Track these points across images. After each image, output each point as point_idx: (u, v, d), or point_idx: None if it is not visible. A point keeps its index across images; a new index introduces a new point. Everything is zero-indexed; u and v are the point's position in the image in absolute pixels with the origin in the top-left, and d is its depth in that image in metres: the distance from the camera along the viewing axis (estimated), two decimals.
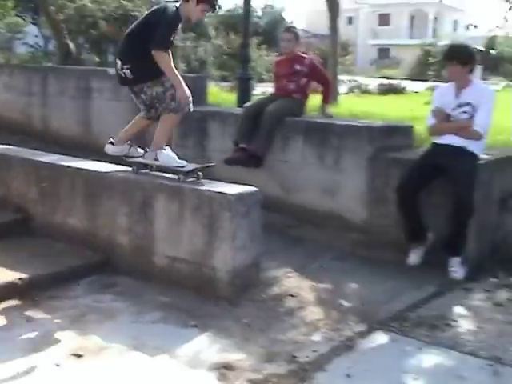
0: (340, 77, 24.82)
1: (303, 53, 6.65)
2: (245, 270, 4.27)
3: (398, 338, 3.79)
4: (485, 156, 5.20)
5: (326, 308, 4.13)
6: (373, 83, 24.14)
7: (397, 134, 5.88)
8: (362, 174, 5.57)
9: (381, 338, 3.80)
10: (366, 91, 21.89)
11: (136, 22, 4.72)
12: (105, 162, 5.02)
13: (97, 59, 19.68)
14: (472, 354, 3.61)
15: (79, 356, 3.41)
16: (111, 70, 6.20)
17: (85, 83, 8.36)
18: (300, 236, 5.61)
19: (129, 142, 4.83)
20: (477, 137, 4.92)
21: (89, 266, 4.58)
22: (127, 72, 4.52)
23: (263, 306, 4.11)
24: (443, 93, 5.19)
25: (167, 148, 4.65)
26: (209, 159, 6.59)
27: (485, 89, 5.20)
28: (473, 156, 4.94)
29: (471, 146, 4.93)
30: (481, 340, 3.81)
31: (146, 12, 4.83)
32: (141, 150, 4.82)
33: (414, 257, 5.03)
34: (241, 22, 10.09)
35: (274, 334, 3.73)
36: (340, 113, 9.77)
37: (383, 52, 49.04)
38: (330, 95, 6.86)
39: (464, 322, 4.09)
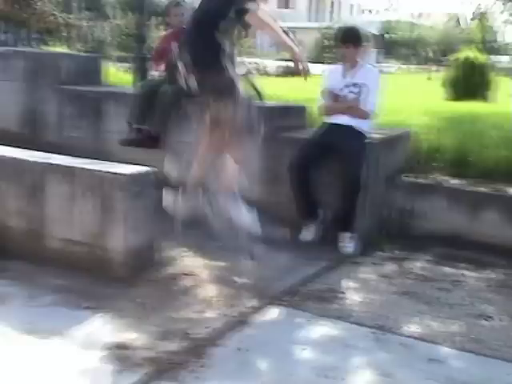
0: (240, 58, 24.85)
1: None
2: (139, 251, 4.26)
3: (289, 311, 3.91)
4: (373, 135, 5.42)
5: (221, 285, 4.20)
6: (272, 65, 24.38)
7: (290, 114, 6.01)
8: (256, 154, 5.65)
9: (273, 313, 3.91)
10: (264, 73, 22.08)
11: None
12: None
13: None
14: (357, 323, 3.78)
15: None
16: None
17: None
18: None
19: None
20: (364, 116, 5.12)
21: None
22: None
23: (158, 286, 4.13)
24: (332, 74, 5.36)
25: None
26: (104, 140, 6.51)
27: (371, 70, 5.40)
28: (361, 135, 5.14)
29: (359, 125, 5.12)
30: (366, 310, 4.00)
31: None
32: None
33: (306, 233, 5.18)
34: (138, 1, 9.92)
35: (168, 313, 3.76)
36: None
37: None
38: None
39: (351, 293, 4.27)
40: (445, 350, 3.53)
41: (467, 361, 3.44)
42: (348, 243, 5.03)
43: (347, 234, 5.04)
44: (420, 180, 5.70)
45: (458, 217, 5.44)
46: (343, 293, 4.27)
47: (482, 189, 5.48)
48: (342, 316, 3.88)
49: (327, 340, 3.58)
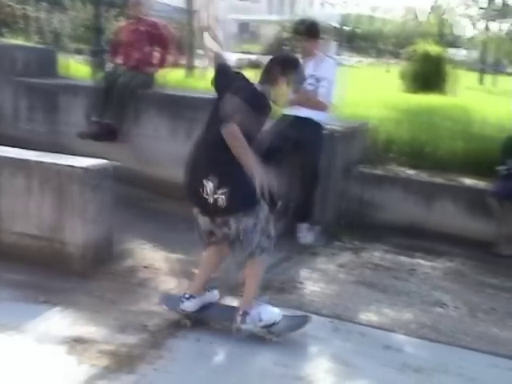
0: (201, 51, 24.73)
1: (151, 21, 6.48)
2: (96, 244, 4.24)
3: None
4: (332, 127, 5.47)
5: (179, 278, 4.20)
6: (232, 58, 24.33)
7: None
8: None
9: (230, 303, 3.91)
10: None
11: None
12: None
13: None
14: (316, 312, 3.82)
15: None
16: None
17: None
18: (156, 208, 5.63)
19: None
20: (323, 108, 5.16)
21: None
22: (221, 198, 3.23)
23: (116, 279, 4.11)
24: None
25: (262, 300, 3.56)
26: (61, 133, 6.44)
27: (330, 62, 5.43)
28: (319, 126, 5.18)
29: (318, 117, 5.16)
30: (324, 300, 4.05)
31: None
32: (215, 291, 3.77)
33: None
34: None
35: (126, 306, 3.75)
36: (197, 86, 9.81)
37: (243, 27, 49.41)
38: (165, 60, 6.44)
39: (310, 284, 4.32)
40: (401, 338, 3.60)
41: (422, 347, 3.51)
42: (306, 234, 5.08)
43: (305, 225, 5.09)
44: (378, 171, 5.78)
45: (414, 207, 5.53)
46: (302, 283, 4.31)
47: (438, 179, 5.58)
48: (302, 306, 3.92)
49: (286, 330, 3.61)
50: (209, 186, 3.23)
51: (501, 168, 5.23)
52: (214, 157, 3.25)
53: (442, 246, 5.16)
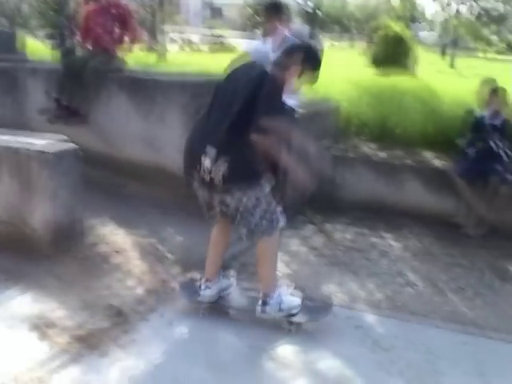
0: (172, 35, 24.51)
1: (116, 1, 6.36)
2: (66, 228, 4.19)
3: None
4: (301, 108, 5.45)
5: (150, 261, 4.18)
6: (204, 41, 24.16)
7: None
8: (185, 128, 5.61)
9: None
10: (197, 49, 21.88)
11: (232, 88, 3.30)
12: None
13: None
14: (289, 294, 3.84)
15: None
16: None
17: None
18: (126, 191, 5.58)
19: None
20: (292, 90, 5.13)
21: None
22: (219, 175, 3.16)
23: (87, 263, 4.07)
24: (258, 47, 5.34)
25: (282, 290, 3.47)
26: (27, 116, 6.34)
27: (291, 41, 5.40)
28: (290, 109, 5.15)
29: (287, 99, 5.13)
30: (297, 281, 4.05)
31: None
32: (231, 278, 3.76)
33: None
34: None
35: (97, 290, 3.72)
36: (168, 69, 9.73)
37: (215, 11, 49.10)
38: (130, 40, 6.32)
39: (282, 265, 4.31)
40: (371, 317, 3.64)
41: (393, 326, 3.55)
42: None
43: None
44: (348, 153, 5.80)
45: (384, 187, 5.57)
46: None
47: (407, 160, 5.62)
48: None
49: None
50: (206, 160, 3.15)
51: (468, 149, 5.28)
52: (219, 130, 3.16)
53: (411, 227, 5.22)
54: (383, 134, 6.13)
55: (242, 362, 3.08)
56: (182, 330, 3.36)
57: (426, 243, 4.96)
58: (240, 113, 3.13)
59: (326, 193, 5.66)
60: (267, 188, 3.30)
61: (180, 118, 5.65)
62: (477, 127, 5.32)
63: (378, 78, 9.80)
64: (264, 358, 3.13)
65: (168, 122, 5.73)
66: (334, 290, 3.97)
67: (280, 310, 3.36)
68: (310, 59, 3.37)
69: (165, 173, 5.75)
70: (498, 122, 5.28)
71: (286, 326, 3.40)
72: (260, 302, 3.38)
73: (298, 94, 5.23)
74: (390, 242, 4.93)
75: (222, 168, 3.13)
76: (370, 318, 3.64)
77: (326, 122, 6.06)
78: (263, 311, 3.37)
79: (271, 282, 3.41)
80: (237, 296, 3.65)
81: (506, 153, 5.17)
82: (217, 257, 3.60)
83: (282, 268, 4.28)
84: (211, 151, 3.15)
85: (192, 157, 3.29)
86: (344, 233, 5.08)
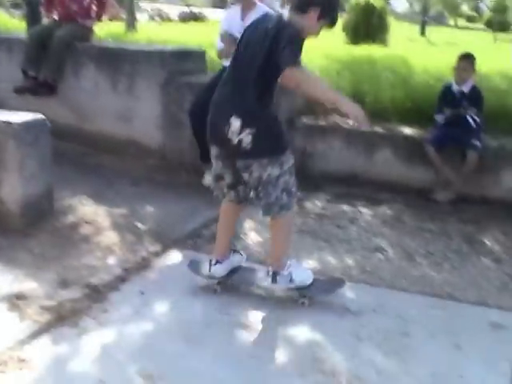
0: (142, 4, 24.16)
1: None
2: (36, 201, 4.16)
3: (192, 254, 3.95)
4: None
5: (122, 232, 4.18)
6: (175, 12, 23.87)
7: (189, 58, 5.93)
8: (156, 99, 5.59)
9: (175, 256, 3.94)
10: (167, 19, 21.62)
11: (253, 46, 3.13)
12: None
13: None
14: (259, 262, 3.87)
15: None
16: None
17: None
18: (97, 164, 5.57)
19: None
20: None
21: None
22: (246, 139, 3.08)
23: (57, 235, 4.06)
24: (230, 16, 5.30)
25: (292, 262, 3.44)
26: None
27: (269, 11, 5.37)
28: None
29: None
30: (267, 249, 4.08)
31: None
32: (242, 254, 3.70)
33: (208, 178, 5.18)
34: None
35: (68, 261, 3.71)
36: (139, 40, 9.62)
37: None
38: (102, 12, 6.36)
39: (253, 234, 4.36)
40: None
41: (362, 291, 3.61)
42: None
43: None
44: (319, 122, 5.82)
45: (355, 157, 5.61)
46: (245, 234, 4.35)
47: (378, 129, 5.65)
48: (246, 257, 3.95)
49: (232, 279, 3.65)
50: (235, 124, 3.05)
51: (438, 117, 5.34)
52: (242, 96, 3.07)
53: (381, 195, 5.27)
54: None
55: (215, 329, 3.11)
56: (154, 300, 3.37)
57: (395, 210, 5.01)
58: (263, 72, 3.02)
59: (297, 162, 5.68)
60: (292, 160, 3.25)
61: (150, 89, 5.61)
62: (445, 94, 5.37)
63: (350, 48, 9.81)
64: (235, 324, 3.16)
65: (138, 93, 5.69)
66: (305, 256, 4.01)
67: (291, 281, 3.33)
68: (327, 14, 3.20)
69: (136, 145, 5.73)
70: (466, 89, 5.32)
71: (298, 298, 3.39)
72: (270, 274, 3.35)
73: None
74: (361, 210, 4.98)
75: (247, 137, 3.05)
76: None
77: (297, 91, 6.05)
78: (274, 281, 3.34)
79: (283, 258, 3.36)
80: (248, 270, 3.62)
81: (474, 119, 5.23)
82: (227, 233, 3.54)
83: (253, 236, 4.32)
84: (236, 120, 3.06)
85: (215, 125, 3.21)
86: (315, 201, 5.11)
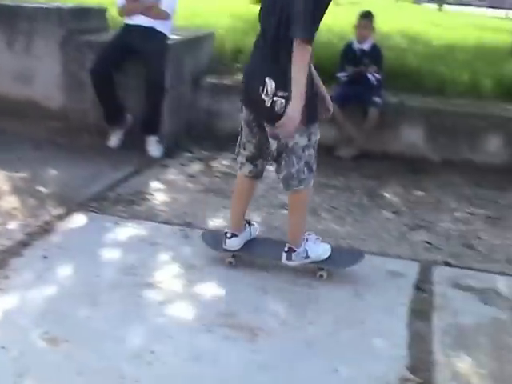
0: None
1: None
2: None
3: (97, 216, 3.90)
4: (176, 36, 5.37)
5: (23, 196, 4.06)
6: None
7: (89, 16, 5.77)
8: (55, 59, 5.41)
9: (80, 219, 3.87)
10: None
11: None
12: None
13: None
14: (166, 222, 3.87)
15: None
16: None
17: None
18: None
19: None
20: (164, 17, 5.04)
21: None
22: (279, 102, 2.89)
23: None
24: None
25: (310, 237, 3.37)
26: None
27: None
28: (162, 36, 5.07)
29: (160, 26, 5.04)
30: (174, 209, 4.09)
31: None
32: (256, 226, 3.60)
33: (114, 139, 5.12)
34: None
35: None
36: None
37: None
38: None
39: (160, 195, 4.34)
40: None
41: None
42: (155, 147, 5.06)
43: (153, 138, 5.05)
44: (225, 81, 5.80)
45: None
46: (152, 195, 4.32)
47: None
48: (151, 217, 3.95)
49: (135, 241, 3.63)
50: (269, 84, 2.88)
51: (340, 75, 5.43)
52: (276, 59, 2.91)
53: None
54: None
55: (120, 290, 3.09)
56: (57, 264, 3.31)
57: None
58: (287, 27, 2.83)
59: (203, 122, 5.67)
60: (319, 135, 3.13)
61: (48, 47, 5.42)
62: (346, 53, 5.46)
63: (253, 7, 9.76)
64: (141, 284, 3.14)
65: (36, 52, 5.48)
66: (211, 215, 4.04)
67: (307, 257, 3.30)
68: None
69: (36, 106, 5.53)
70: (366, 47, 5.43)
71: (316, 271, 3.36)
72: (286, 249, 3.30)
73: (169, 21, 5.14)
74: (267, 167, 5.02)
75: (280, 101, 2.89)
76: None
77: (201, 49, 6.00)
78: (288, 258, 3.30)
79: (300, 233, 3.30)
80: (263, 243, 3.57)
81: (374, 77, 5.36)
82: (241, 211, 3.44)
83: (159, 196, 4.30)
84: (271, 81, 2.91)
85: (249, 86, 3.07)
86: (221, 160, 5.13)
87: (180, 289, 3.15)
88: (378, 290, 3.28)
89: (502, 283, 3.39)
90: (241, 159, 3.32)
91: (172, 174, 4.76)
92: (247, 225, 3.49)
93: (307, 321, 2.95)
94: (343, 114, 5.29)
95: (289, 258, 3.30)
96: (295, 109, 2.80)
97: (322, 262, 3.34)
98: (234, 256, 3.43)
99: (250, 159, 3.28)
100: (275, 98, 2.89)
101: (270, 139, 3.07)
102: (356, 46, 5.45)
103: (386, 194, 4.67)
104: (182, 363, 2.55)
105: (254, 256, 3.49)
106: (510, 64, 6.63)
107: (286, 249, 3.30)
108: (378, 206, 4.43)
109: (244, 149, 3.29)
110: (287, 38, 2.80)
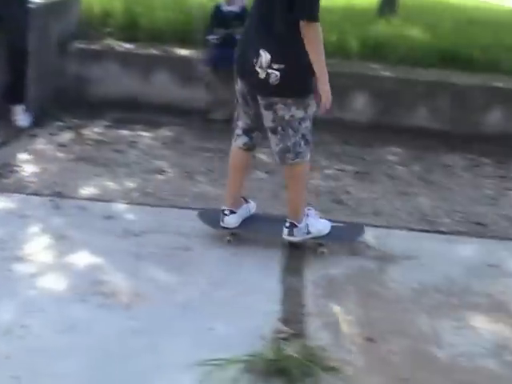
0: None
1: None
2: None
3: None
4: (37, 0, 5.13)
5: None
6: None
7: None
8: None
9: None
10: None
11: None
12: None
13: None
14: (35, 193, 3.75)
15: None
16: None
17: None
18: None
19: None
20: None
21: None
22: (274, 74, 2.86)
23: None
24: None
25: (310, 212, 3.31)
26: None
27: None
28: (21, 0, 4.82)
29: None
30: (44, 180, 3.97)
31: None
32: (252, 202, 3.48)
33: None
34: None
35: None
36: None
37: None
38: None
39: (28, 166, 4.19)
40: (121, 207, 3.70)
41: (143, 213, 3.64)
42: (22, 116, 4.85)
43: (20, 107, 4.84)
44: (93, 46, 5.63)
45: (132, 81, 5.55)
46: (20, 166, 4.16)
47: (153, 51, 5.62)
48: (19, 189, 3.81)
49: (3, 214, 3.48)
50: (264, 56, 2.84)
51: (210, 37, 5.40)
52: (270, 31, 2.86)
53: (161, 117, 5.31)
54: (129, 26, 6.01)
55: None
56: None
57: (175, 132, 5.08)
58: (288, 8, 2.79)
59: (72, 88, 5.49)
60: (315, 106, 3.04)
61: None
62: (216, 15, 5.43)
63: None
64: (10, 258, 3.03)
65: None
66: (83, 184, 3.95)
67: (308, 232, 3.24)
68: None
69: None
70: (236, 9, 5.43)
71: (317, 248, 3.29)
72: (287, 225, 3.21)
73: None
74: (140, 133, 4.98)
75: (275, 73, 2.84)
76: (121, 207, 3.69)
77: (68, 13, 5.78)
78: (290, 234, 3.21)
79: (300, 208, 3.24)
80: (262, 219, 3.45)
81: None
82: (237, 188, 3.34)
83: (28, 167, 4.15)
84: (265, 53, 2.84)
85: (243, 57, 2.98)
86: (93, 128, 5.01)
87: (51, 260, 3.07)
88: (253, 249, 3.34)
89: (369, 234, 3.55)
90: (237, 131, 3.26)
91: (41, 144, 4.60)
92: (245, 201, 3.43)
93: (184, 283, 2.97)
94: (215, 76, 5.29)
95: (291, 234, 3.25)
96: (325, 89, 2.91)
97: (323, 237, 3.32)
98: (232, 234, 3.36)
99: (246, 131, 3.23)
100: (270, 71, 2.86)
101: (265, 112, 3.02)
102: (225, 8, 5.43)
103: (260, 155, 4.74)
104: (55, 335, 2.50)
105: (253, 233, 3.43)
106: (376, 25, 6.86)
107: (287, 224, 3.24)
108: (253, 167, 4.49)
109: (240, 120, 3.25)
110: (283, 9, 2.80)
